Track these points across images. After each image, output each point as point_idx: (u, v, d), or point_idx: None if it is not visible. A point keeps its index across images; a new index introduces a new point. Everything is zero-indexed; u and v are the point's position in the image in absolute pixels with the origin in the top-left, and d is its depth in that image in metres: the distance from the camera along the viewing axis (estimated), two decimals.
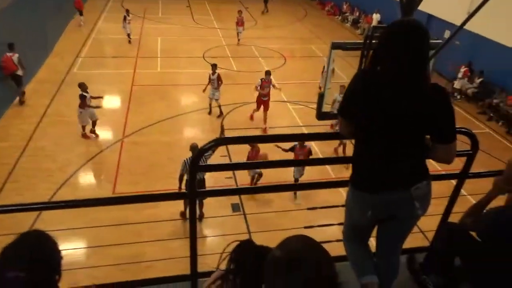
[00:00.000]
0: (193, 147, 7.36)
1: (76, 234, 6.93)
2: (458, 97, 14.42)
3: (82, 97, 9.91)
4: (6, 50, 11.23)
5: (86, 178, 9.08)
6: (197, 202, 7.48)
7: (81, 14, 19.62)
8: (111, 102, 12.66)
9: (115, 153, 9.89)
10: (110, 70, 14.84)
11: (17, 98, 11.93)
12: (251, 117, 11.89)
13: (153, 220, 6.74)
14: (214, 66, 11.52)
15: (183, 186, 7.35)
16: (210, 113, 11.99)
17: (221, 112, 11.92)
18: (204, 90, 11.70)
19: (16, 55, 11.37)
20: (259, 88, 11.23)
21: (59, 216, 6.18)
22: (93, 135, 10.48)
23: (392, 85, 1.91)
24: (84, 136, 10.36)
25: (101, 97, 10.96)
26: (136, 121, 11.30)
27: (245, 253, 1.55)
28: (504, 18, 12.74)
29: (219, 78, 11.41)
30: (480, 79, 13.92)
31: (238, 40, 18.42)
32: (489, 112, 13.22)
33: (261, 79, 11.24)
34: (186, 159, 7.27)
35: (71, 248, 6.35)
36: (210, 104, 11.91)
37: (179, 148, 9.63)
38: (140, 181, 8.82)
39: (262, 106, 11.49)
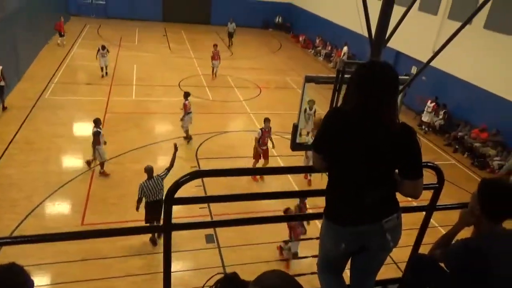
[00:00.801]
0: (148, 169, 7.55)
1: (41, 268, 6.60)
2: (426, 129, 14.99)
3: (97, 134, 9.63)
4: None
5: (54, 208, 8.74)
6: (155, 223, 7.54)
7: (61, 35, 20.09)
8: (83, 129, 12.44)
9: (86, 182, 9.62)
10: (83, 97, 14.63)
11: None
12: (255, 179, 10.50)
13: (124, 254, 6.53)
14: (184, 95, 11.79)
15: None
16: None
17: (185, 137, 12.05)
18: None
19: (0, 67, 11.33)
20: (259, 138, 10.16)
21: (23, 247, 5.89)
22: (103, 175, 10.02)
23: (366, 121, 2.01)
24: (104, 174, 9.94)
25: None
26: (108, 149, 11.03)
27: (230, 287, 1.54)
28: (466, 57, 13.59)
29: (184, 106, 11.64)
30: (444, 110, 14.61)
31: (214, 74, 17.90)
32: (455, 144, 13.80)
33: (261, 129, 10.25)
34: (143, 182, 7.43)
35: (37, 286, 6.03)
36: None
37: None
38: (112, 211, 8.57)
39: (261, 157, 10.42)
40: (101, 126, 9.93)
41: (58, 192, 9.13)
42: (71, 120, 12.67)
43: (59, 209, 8.78)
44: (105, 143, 9.95)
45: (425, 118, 14.96)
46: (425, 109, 14.96)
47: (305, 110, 12.14)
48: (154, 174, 7.57)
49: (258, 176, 10.43)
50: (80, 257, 6.84)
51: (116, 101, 14.41)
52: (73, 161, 10.46)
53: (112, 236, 2.26)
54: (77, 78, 16.64)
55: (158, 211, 7.51)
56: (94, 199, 9.02)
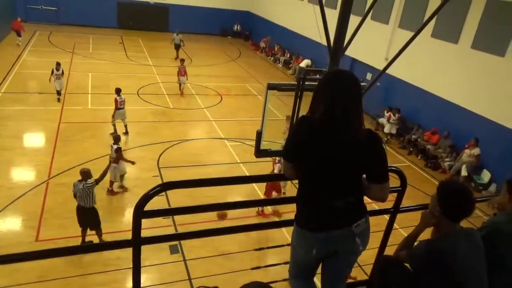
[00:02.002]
0: (82, 172, 7.53)
1: None
2: (387, 138, 15.13)
3: (119, 150, 9.29)
4: None
5: (5, 225, 8.17)
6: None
7: (19, 35, 19.96)
8: (35, 140, 11.82)
9: (39, 196, 9.10)
10: (35, 106, 13.89)
11: None
12: (274, 213, 9.36)
13: (84, 271, 6.23)
14: (115, 90, 12.45)
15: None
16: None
17: (112, 133, 12.39)
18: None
19: None
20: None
21: None
22: (121, 190, 9.68)
23: (333, 128, 2.06)
24: (112, 192, 9.49)
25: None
26: (63, 160, 10.59)
27: None
28: (416, 64, 14.33)
29: (114, 102, 12.31)
30: (398, 115, 15.19)
31: (181, 91, 16.86)
32: (409, 147, 14.45)
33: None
34: (76, 181, 7.53)
35: None
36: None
37: None
38: (69, 225, 8.15)
39: (273, 190, 9.37)
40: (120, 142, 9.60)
41: (8, 208, 8.58)
42: (21, 131, 11.99)
43: (10, 225, 8.23)
44: (125, 159, 9.61)
45: (387, 129, 15.06)
46: (390, 120, 15.12)
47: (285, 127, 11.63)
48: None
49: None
50: (36, 275, 6.45)
51: (70, 111, 13.82)
52: (24, 175, 9.88)
53: (76, 254, 2.15)
54: (28, 87, 15.78)
55: (89, 220, 7.64)
56: (49, 213, 8.56)
